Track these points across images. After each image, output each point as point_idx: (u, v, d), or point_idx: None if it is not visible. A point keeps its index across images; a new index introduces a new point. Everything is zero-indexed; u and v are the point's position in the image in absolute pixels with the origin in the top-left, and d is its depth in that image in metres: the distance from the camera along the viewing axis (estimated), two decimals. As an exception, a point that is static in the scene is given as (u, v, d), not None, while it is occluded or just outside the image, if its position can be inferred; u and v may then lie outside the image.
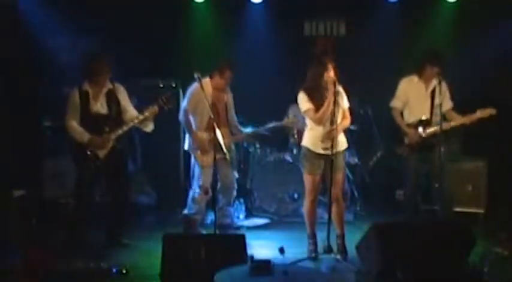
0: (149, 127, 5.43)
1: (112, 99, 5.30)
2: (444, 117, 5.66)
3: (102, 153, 5.25)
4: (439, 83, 5.48)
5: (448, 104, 5.76)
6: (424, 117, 5.71)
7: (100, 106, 5.26)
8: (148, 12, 7.24)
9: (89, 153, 5.20)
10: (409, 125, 5.79)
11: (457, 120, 5.70)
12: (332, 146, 4.99)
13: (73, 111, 5.22)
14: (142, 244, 5.56)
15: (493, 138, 6.40)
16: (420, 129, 5.69)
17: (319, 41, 7.73)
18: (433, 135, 5.63)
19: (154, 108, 5.28)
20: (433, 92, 5.68)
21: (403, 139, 5.82)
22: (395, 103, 5.87)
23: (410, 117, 5.83)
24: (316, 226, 5.36)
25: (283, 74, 7.27)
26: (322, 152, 5.11)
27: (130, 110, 5.39)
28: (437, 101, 5.60)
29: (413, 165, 5.80)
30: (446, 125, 5.55)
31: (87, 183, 5.31)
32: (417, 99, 5.76)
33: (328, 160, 5.03)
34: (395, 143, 5.91)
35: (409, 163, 5.82)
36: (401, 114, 5.89)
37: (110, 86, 5.32)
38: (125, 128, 5.30)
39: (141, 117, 5.28)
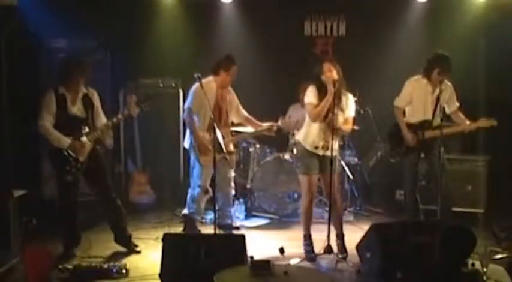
0: (109, 141, 5.46)
1: (88, 103, 5.28)
2: (450, 119, 5.72)
3: (82, 156, 5.20)
4: (441, 89, 5.50)
5: (453, 106, 5.78)
6: (425, 119, 5.71)
7: (77, 109, 5.22)
8: (148, 12, 7.25)
9: (69, 157, 5.13)
10: (409, 125, 5.79)
11: (457, 127, 5.71)
12: (326, 147, 5.00)
13: (48, 113, 5.13)
14: (142, 244, 5.56)
15: (493, 138, 6.39)
16: (419, 134, 5.69)
17: (319, 41, 7.75)
18: (433, 138, 5.65)
19: (133, 108, 5.28)
20: (439, 96, 5.66)
21: (402, 139, 5.82)
22: (399, 102, 5.85)
23: (412, 117, 5.82)
24: (311, 227, 5.37)
25: (283, 74, 7.29)
26: (315, 151, 5.11)
27: (102, 116, 5.38)
28: (442, 104, 5.61)
29: (412, 165, 5.80)
30: (445, 131, 5.54)
31: (71, 186, 5.25)
32: (422, 101, 5.74)
33: (323, 160, 5.04)
34: (394, 142, 5.91)
35: (408, 163, 5.82)
36: (404, 113, 5.90)
37: (84, 90, 5.29)
38: (100, 133, 5.27)
39: (115, 119, 5.28)
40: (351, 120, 5.27)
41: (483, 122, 5.58)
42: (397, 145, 5.85)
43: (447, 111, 5.71)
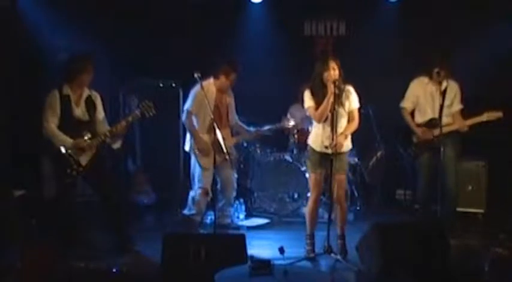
0: (117, 144, 5.32)
1: (91, 105, 5.20)
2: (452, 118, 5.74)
3: (84, 160, 5.14)
4: (445, 86, 5.53)
5: (457, 106, 5.80)
6: (433, 117, 5.71)
7: (81, 112, 5.15)
8: (147, 12, 7.25)
9: (71, 159, 5.06)
10: (418, 125, 5.80)
11: (464, 122, 5.71)
12: (332, 146, 5.00)
13: (53, 114, 5.07)
14: (142, 244, 5.56)
15: (493, 139, 6.39)
16: (433, 131, 5.69)
17: (319, 41, 7.74)
18: (444, 134, 5.62)
19: (136, 114, 5.19)
20: (444, 93, 5.68)
21: (411, 139, 5.83)
22: (405, 103, 5.90)
23: (420, 117, 5.84)
24: (316, 226, 5.36)
25: (283, 74, 7.28)
26: (323, 150, 5.11)
27: (103, 120, 5.28)
28: (447, 102, 5.63)
29: (423, 164, 5.79)
30: (451, 127, 5.63)
31: (70, 188, 5.23)
32: (427, 100, 5.76)
33: (333, 159, 5.04)
34: (405, 144, 5.91)
35: (419, 163, 5.82)
36: (412, 115, 5.91)
37: (88, 92, 5.22)
38: (102, 138, 5.16)
39: (118, 126, 5.15)
40: (356, 113, 5.20)
41: (488, 116, 5.59)
42: (408, 146, 5.87)
43: (450, 110, 5.73)
